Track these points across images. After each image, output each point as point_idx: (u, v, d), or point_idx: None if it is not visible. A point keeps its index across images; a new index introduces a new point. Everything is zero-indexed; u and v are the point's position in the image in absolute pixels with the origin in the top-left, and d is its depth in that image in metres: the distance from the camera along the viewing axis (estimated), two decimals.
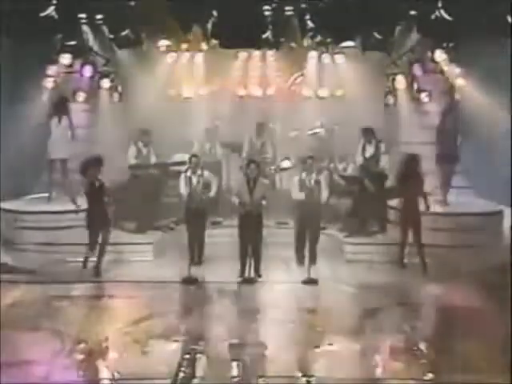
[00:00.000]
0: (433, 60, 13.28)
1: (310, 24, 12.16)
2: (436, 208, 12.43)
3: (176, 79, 14.24)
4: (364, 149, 12.59)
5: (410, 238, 11.37)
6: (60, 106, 12.73)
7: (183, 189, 11.35)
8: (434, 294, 10.38)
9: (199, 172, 11.40)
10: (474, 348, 8.09)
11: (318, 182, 11.18)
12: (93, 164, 11.21)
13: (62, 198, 12.74)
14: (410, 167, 11.37)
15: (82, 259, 11.20)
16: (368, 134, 12.58)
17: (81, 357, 7.97)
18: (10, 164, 12.42)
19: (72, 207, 12.23)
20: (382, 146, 12.60)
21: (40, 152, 12.88)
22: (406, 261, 11.44)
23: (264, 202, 10.88)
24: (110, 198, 11.37)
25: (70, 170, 12.63)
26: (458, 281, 10.61)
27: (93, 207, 11.15)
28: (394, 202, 12.36)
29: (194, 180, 11.35)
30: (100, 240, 11.14)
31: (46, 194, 12.88)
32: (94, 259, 11.13)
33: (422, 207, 11.29)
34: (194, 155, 11.79)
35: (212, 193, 11.56)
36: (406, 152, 11.96)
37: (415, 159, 11.42)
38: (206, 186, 11.46)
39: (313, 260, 11.09)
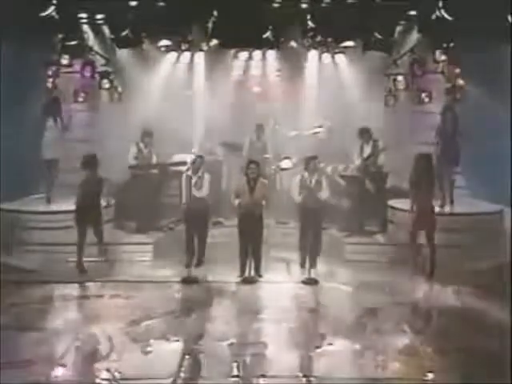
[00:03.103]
0: (433, 60, 13.29)
1: (310, 24, 12.18)
2: (440, 208, 12.44)
3: (176, 79, 14.24)
4: (362, 149, 12.59)
5: (422, 239, 11.24)
6: (52, 107, 12.74)
7: (184, 189, 11.30)
8: (433, 293, 10.38)
9: (200, 174, 11.35)
10: (474, 348, 8.10)
11: (319, 182, 11.17)
12: (91, 161, 11.30)
13: (61, 198, 12.75)
14: (422, 167, 11.20)
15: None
16: (365, 134, 12.58)
17: (81, 357, 7.97)
18: (10, 164, 12.41)
19: (71, 207, 12.25)
20: (380, 145, 12.60)
21: (40, 152, 12.89)
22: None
23: (264, 203, 10.87)
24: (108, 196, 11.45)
25: (61, 169, 12.69)
26: (458, 281, 10.60)
27: (86, 203, 11.17)
28: (393, 202, 12.40)
29: (193, 181, 11.30)
30: (97, 237, 11.25)
31: (45, 194, 12.90)
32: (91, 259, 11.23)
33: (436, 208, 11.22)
34: (198, 156, 11.66)
35: (203, 193, 11.35)
36: (418, 152, 11.74)
37: (427, 158, 11.29)
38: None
39: (314, 260, 11.07)
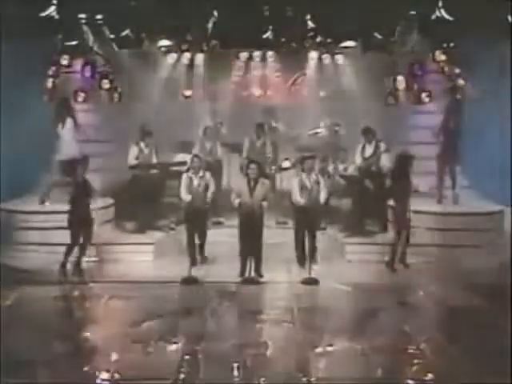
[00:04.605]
0: (433, 60, 13.30)
1: (310, 24, 12.18)
2: (440, 207, 12.45)
3: (176, 79, 14.25)
4: (364, 149, 12.59)
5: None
6: (63, 108, 12.75)
7: (184, 190, 11.31)
8: (433, 293, 10.38)
9: (201, 174, 11.34)
10: (474, 348, 8.10)
11: (317, 183, 11.17)
12: (79, 163, 11.23)
13: (61, 197, 12.76)
14: (402, 166, 11.26)
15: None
16: (368, 133, 12.58)
17: (81, 357, 7.97)
18: (10, 164, 12.42)
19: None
20: (382, 146, 12.60)
21: (40, 152, 12.89)
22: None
23: (265, 203, 10.87)
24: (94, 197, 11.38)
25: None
26: (458, 281, 10.60)
27: (76, 207, 11.11)
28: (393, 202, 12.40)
29: (195, 181, 11.32)
30: (82, 240, 11.11)
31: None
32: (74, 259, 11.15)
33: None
34: (195, 155, 11.76)
35: (209, 193, 11.43)
36: (400, 151, 11.87)
37: (408, 158, 11.33)
38: (207, 188, 11.43)
39: (313, 260, 11.08)
